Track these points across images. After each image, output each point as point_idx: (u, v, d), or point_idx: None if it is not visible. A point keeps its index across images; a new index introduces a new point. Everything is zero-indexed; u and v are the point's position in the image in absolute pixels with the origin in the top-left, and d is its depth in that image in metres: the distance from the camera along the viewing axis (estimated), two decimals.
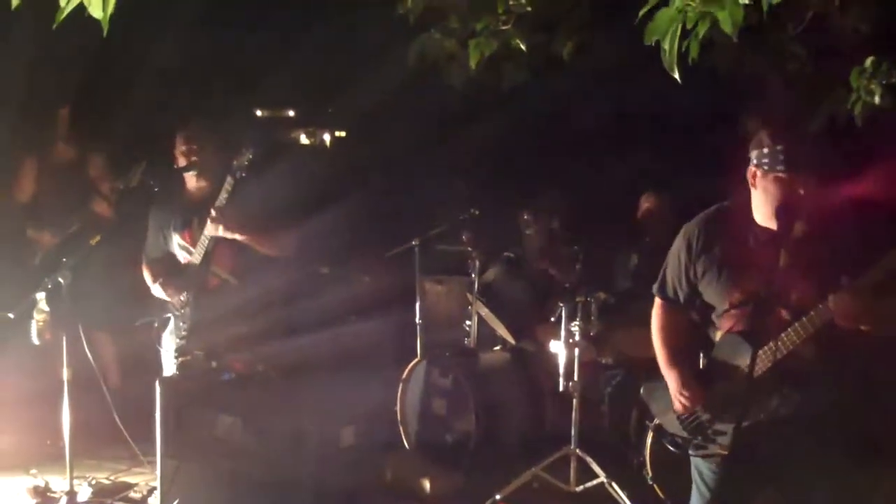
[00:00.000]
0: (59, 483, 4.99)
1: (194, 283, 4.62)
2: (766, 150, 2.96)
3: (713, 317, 3.21)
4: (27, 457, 5.51)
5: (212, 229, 4.48)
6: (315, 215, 5.25)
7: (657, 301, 3.42)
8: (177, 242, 4.74)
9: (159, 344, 4.78)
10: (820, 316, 2.89)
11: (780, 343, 2.95)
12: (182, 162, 4.66)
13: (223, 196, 4.45)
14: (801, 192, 2.93)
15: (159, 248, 4.83)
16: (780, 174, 2.92)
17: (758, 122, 6.00)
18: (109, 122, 6.73)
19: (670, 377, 3.29)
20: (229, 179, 4.44)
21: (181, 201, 4.75)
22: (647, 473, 4.91)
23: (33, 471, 5.21)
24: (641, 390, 3.53)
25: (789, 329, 2.94)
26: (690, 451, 3.23)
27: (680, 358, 3.31)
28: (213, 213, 4.45)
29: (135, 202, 5.64)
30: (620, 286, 5.66)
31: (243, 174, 4.42)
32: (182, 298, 4.65)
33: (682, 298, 3.30)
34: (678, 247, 3.27)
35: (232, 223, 4.46)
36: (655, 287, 3.41)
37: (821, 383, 2.96)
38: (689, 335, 3.34)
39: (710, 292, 3.19)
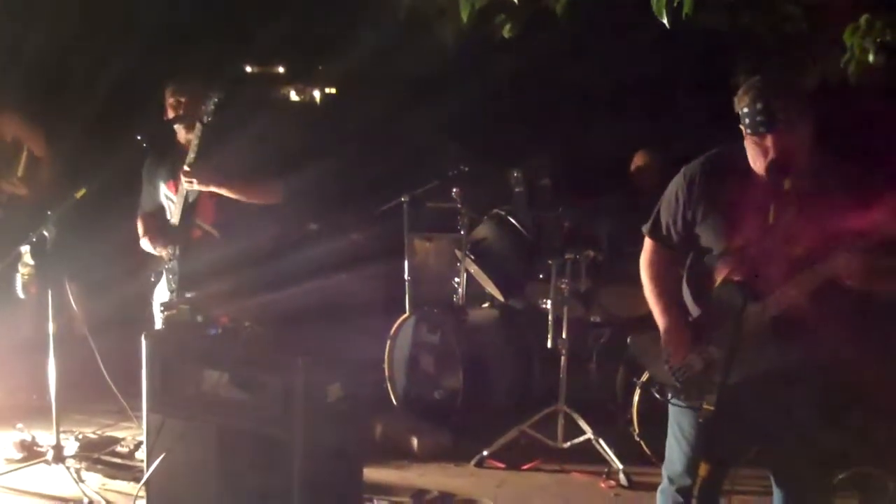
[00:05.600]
0: (45, 437, 4.98)
1: (178, 236, 4.61)
2: (746, 110, 2.89)
3: (711, 262, 3.13)
4: (13, 411, 5.50)
5: (187, 185, 4.50)
6: (303, 170, 5.22)
7: (648, 242, 3.34)
8: (163, 193, 4.76)
9: (152, 299, 4.79)
10: (822, 271, 2.85)
11: (777, 297, 2.93)
12: (170, 114, 4.67)
13: (194, 144, 4.46)
14: (790, 146, 2.86)
15: (152, 199, 4.85)
16: (760, 134, 2.87)
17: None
18: (95, 74, 6.65)
19: (663, 323, 3.22)
20: (198, 126, 4.44)
21: (172, 152, 4.74)
22: (634, 430, 4.94)
23: (19, 425, 5.21)
24: (629, 340, 3.49)
25: (788, 283, 2.91)
26: (678, 401, 3.16)
27: (673, 303, 3.24)
28: (185, 169, 4.46)
29: (123, 158, 5.61)
30: (608, 244, 5.64)
31: (210, 118, 4.41)
32: (169, 252, 4.64)
33: (675, 239, 3.22)
34: (676, 186, 3.18)
35: (206, 177, 4.46)
36: (646, 228, 3.32)
37: (815, 338, 2.93)
38: (680, 279, 3.28)
39: (709, 235, 3.12)
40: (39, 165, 5.94)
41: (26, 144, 5.90)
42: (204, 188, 4.49)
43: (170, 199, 4.72)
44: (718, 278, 3.11)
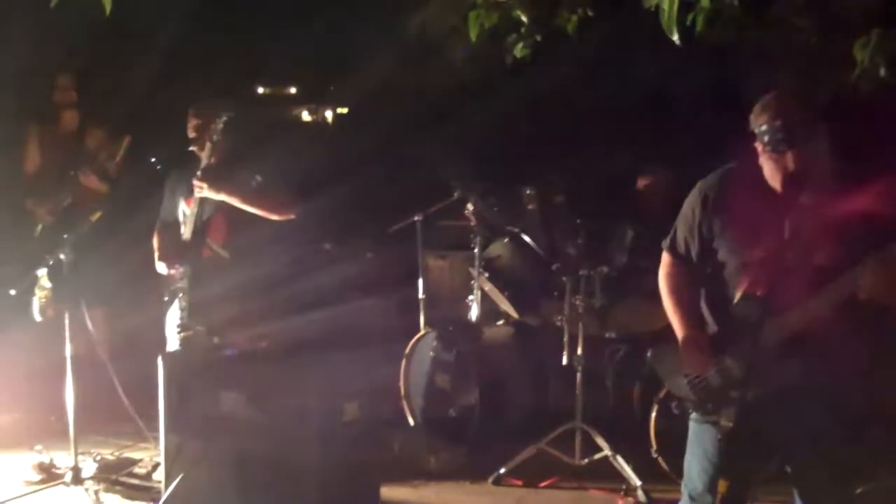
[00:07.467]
0: (64, 459, 4.99)
1: (188, 253, 4.64)
2: (764, 127, 2.89)
3: (729, 276, 3.13)
4: (32, 434, 5.51)
5: (199, 191, 4.55)
6: (317, 191, 5.24)
7: (666, 257, 3.35)
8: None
9: (165, 320, 4.81)
10: (845, 286, 2.84)
11: (799, 312, 2.92)
12: (189, 135, 4.72)
13: (206, 154, 4.57)
14: (809, 160, 2.86)
15: (171, 212, 4.90)
16: (780, 151, 2.87)
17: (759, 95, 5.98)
18: (113, 97, 6.69)
19: (682, 334, 3.21)
20: (208, 145, 4.54)
21: (193, 171, 4.78)
22: (652, 446, 4.92)
23: (38, 447, 5.21)
24: (648, 353, 3.47)
25: (811, 300, 2.90)
26: (696, 417, 3.15)
27: (691, 315, 3.24)
28: (198, 173, 4.54)
29: (138, 180, 5.65)
30: (619, 261, 5.63)
31: (218, 137, 4.52)
32: (179, 271, 4.67)
33: (692, 253, 3.23)
34: (692, 202, 3.19)
35: (219, 183, 4.52)
36: (665, 243, 3.34)
37: (835, 352, 2.92)
38: (698, 293, 3.28)
39: (726, 249, 3.12)
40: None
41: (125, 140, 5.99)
42: (215, 195, 4.53)
43: (186, 216, 4.76)
44: (737, 293, 3.11)
